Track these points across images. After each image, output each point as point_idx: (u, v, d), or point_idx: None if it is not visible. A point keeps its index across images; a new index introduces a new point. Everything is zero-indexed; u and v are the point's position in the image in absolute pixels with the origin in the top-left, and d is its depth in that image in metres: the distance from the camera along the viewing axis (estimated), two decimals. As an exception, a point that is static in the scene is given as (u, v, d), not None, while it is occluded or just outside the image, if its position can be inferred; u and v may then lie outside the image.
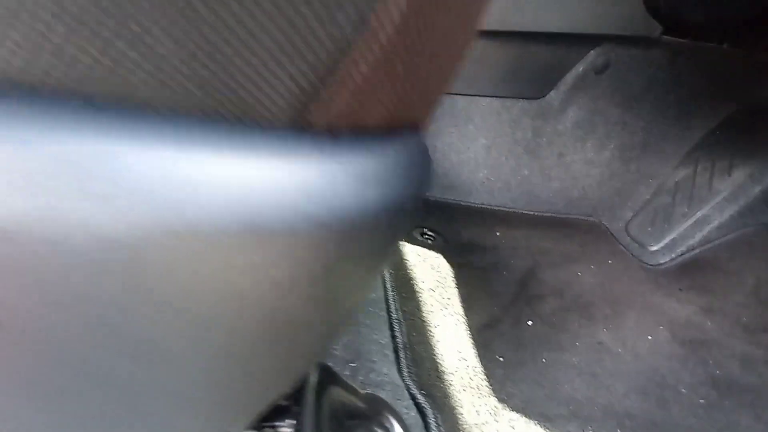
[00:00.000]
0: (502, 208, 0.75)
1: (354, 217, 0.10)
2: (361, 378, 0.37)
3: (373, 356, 0.40)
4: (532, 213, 0.74)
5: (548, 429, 0.39)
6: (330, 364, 0.29)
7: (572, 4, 0.67)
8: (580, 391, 0.42)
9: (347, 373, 0.37)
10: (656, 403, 0.42)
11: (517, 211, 0.75)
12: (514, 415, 0.39)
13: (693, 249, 0.65)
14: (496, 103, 0.71)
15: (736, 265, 0.62)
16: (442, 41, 0.11)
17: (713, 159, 0.69)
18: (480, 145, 0.74)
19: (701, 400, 0.43)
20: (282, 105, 0.09)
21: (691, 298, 0.57)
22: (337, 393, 0.27)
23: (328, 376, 0.27)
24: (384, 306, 0.47)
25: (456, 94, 0.73)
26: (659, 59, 0.67)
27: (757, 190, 0.64)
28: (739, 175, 0.67)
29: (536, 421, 0.39)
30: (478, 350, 0.45)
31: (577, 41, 0.67)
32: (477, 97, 0.72)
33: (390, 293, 0.49)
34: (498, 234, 0.68)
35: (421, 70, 0.11)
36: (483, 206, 0.75)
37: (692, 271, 0.62)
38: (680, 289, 0.59)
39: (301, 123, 0.09)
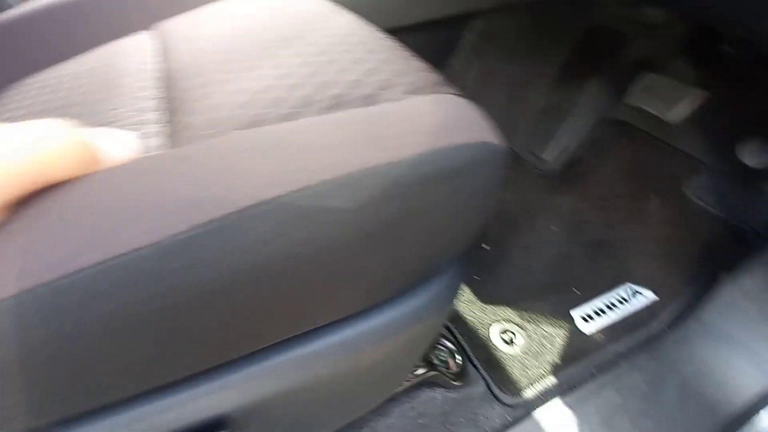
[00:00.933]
0: None
1: None
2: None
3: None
4: None
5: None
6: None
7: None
8: (514, 280, 0.68)
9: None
10: (561, 270, 0.70)
11: None
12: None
13: (571, 151, 0.92)
14: None
15: (600, 158, 0.90)
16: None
17: (571, 79, 0.94)
18: None
19: (583, 261, 0.72)
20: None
21: (571, 190, 0.86)
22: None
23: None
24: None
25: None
26: (525, 19, 0.87)
27: (604, 97, 0.91)
28: (591, 87, 0.93)
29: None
30: None
31: (459, 21, 0.84)
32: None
33: None
34: None
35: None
36: None
37: (571, 169, 0.91)
38: (563, 186, 0.88)
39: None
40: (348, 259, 0.21)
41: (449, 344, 0.51)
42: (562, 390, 0.51)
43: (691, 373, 0.52)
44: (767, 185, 0.68)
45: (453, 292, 0.30)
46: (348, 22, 0.37)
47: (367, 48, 0.32)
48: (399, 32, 0.79)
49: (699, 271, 0.65)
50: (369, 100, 0.26)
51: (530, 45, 0.91)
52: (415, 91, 0.27)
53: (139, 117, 0.30)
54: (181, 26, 0.42)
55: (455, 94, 0.28)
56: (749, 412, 0.48)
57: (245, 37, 0.36)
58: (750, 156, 0.68)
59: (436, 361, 0.49)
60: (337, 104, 0.26)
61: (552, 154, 0.93)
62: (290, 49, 0.33)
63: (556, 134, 0.93)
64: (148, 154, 0.21)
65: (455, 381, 0.48)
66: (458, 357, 0.49)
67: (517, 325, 0.58)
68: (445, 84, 0.30)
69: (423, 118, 0.24)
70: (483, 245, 0.72)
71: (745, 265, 0.57)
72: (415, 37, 0.82)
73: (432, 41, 0.87)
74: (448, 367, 0.47)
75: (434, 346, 0.50)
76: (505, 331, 0.57)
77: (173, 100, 0.30)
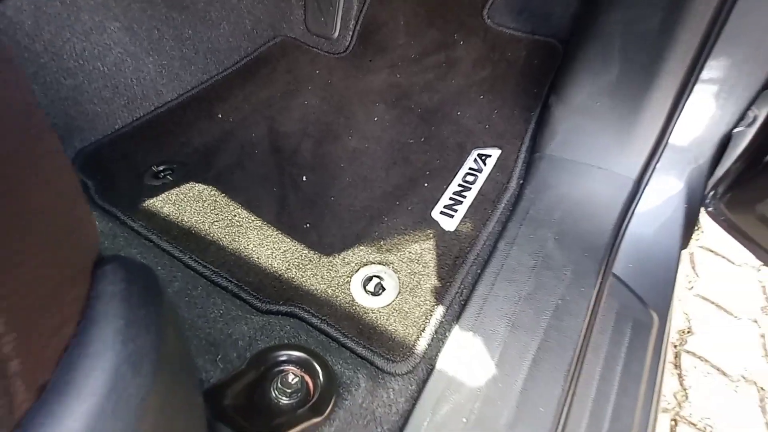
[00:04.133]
0: None
1: None
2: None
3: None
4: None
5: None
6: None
7: None
8: (360, 200, 0.53)
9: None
10: (403, 163, 0.58)
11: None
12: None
13: (358, 16, 0.74)
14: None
15: (390, 11, 0.74)
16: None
17: None
18: None
19: (422, 139, 0.60)
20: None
21: (378, 65, 0.70)
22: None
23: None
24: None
25: None
26: None
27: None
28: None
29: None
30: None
31: None
32: None
33: None
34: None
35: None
36: None
37: (368, 37, 0.74)
38: (370, 60, 0.71)
39: None
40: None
41: (292, 365, 0.33)
42: (454, 315, 0.40)
43: (561, 219, 0.47)
44: (532, 5, 0.61)
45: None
46: None
47: None
48: None
49: (528, 103, 0.59)
50: None
51: None
52: None
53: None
54: None
55: None
56: (615, 235, 0.45)
57: None
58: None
59: (281, 403, 0.31)
60: None
61: (341, 28, 0.73)
62: None
63: (334, 2, 0.73)
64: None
65: (320, 412, 0.32)
66: (312, 374, 0.32)
67: (379, 263, 0.44)
68: None
69: None
70: (302, 177, 0.54)
71: (565, 80, 0.51)
72: None
73: None
74: (306, 399, 0.31)
75: (268, 378, 0.32)
76: (368, 280, 0.42)
77: None
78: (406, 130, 0.60)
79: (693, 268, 0.98)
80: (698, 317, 0.92)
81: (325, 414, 0.29)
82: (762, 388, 0.82)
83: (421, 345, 0.38)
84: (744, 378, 0.84)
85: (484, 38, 0.66)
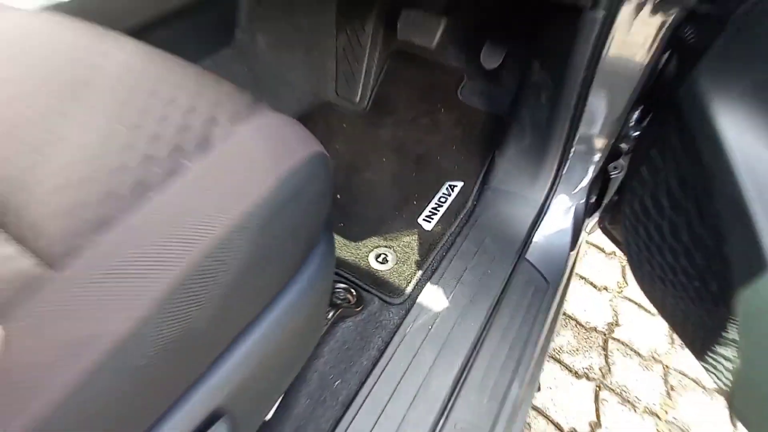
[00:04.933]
0: None
1: None
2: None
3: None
4: None
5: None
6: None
7: None
8: (374, 211, 0.84)
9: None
10: (401, 188, 0.89)
11: None
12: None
13: (374, 88, 1.07)
14: None
15: (397, 86, 1.08)
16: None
17: (349, 23, 1.05)
18: None
19: (413, 174, 0.91)
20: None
21: (386, 123, 1.02)
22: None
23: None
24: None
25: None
26: None
27: (381, 36, 1.06)
28: (369, 28, 1.06)
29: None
30: None
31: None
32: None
33: None
34: None
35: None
36: None
37: (380, 102, 1.06)
38: (381, 119, 1.04)
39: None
40: (255, 266, 0.29)
41: (342, 285, 0.64)
42: (428, 276, 0.70)
43: (496, 225, 0.77)
44: (501, 80, 0.95)
45: (331, 255, 0.41)
46: (124, 49, 0.36)
47: (170, 82, 0.34)
48: (169, 20, 0.76)
49: (484, 155, 0.90)
50: (204, 144, 0.31)
51: (302, 7, 0.98)
52: (239, 119, 0.33)
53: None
54: None
55: (270, 111, 0.36)
56: (528, 235, 0.76)
57: (20, 92, 0.32)
58: (486, 61, 0.93)
59: (338, 302, 0.62)
60: (176, 166, 0.29)
61: (361, 95, 1.07)
62: (86, 103, 0.31)
63: (357, 77, 1.06)
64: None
65: (357, 308, 0.63)
66: (353, 291, 0.63)
67: (385, 246, 0.75)
68: (258, 102, 0.37)
69: (259, 153, 0.31)
70: (337, 195, 0.85)
71: (504, 139, 0.83)
72: (188, 23, 0.80)
73: (208, 20, 0.86)
74: (348, 302, 0.61)
75: (333, 291, 0.63)
76: (378, 256, 0.73)
77: None
78: (404, 168, 0.91)
79: (623, 276, 1.28)
80: (624, 314, 1.20)
81: (357, 311, 0.59)
82: (666, 366, 1.10)
83: (407, 290, 0.68)
84: (654, 358, 1.11)
85: (457, 109, 0.99)
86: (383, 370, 0.58)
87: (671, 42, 0.56)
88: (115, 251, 0.25)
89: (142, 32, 0.70)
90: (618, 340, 1.15)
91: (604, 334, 1.16)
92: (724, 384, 0.47)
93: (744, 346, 0.42)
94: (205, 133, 0.30)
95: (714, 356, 0.50)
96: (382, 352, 0.60)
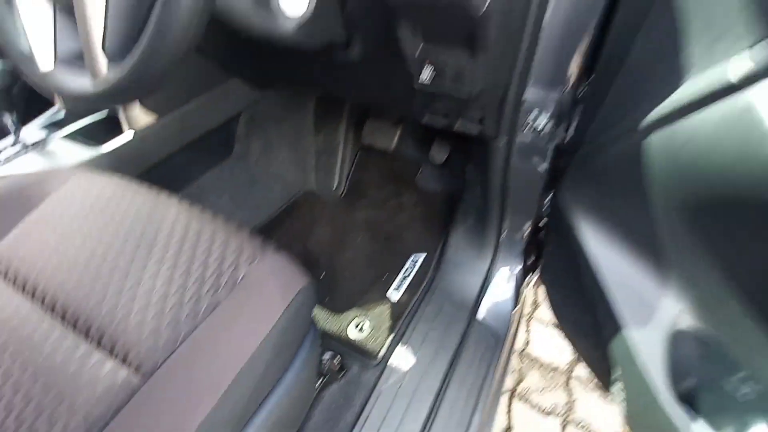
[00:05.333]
0: None
1: None
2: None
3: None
4: None
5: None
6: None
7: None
8: (352, 285, 1.03)
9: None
10: (374, 264, 1.07)
11: None
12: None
13: (348, 177, 1.29)
14: None
15: (368, 174, 1.30)
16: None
17: (325, 126, 1.28)
18: None
19: (384, 249, 1.10)
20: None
21: (361, 206, 1.23)
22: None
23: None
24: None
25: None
26: (279, 99, 1.16)
27: (351, 136, 1.29)
28: (340, 132, 1.29)
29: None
30: None
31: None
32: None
33: None
34: None
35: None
36: None
37: (355, 189, 1.28)
38: (355, 203, 1.24)
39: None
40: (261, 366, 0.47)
41: (329, 354, 0.80)
42: (397, 340, 0.87)
43: (452, 292, 0.96)
44: (449, 170, 1.17)
45: (316, 341, 0.58)
46: (173, 211, 0.55)
47: (207, 236, 0.54)
48: (184, 149, 0.97)
49: (440, 231, 1.11)
50: (231, 284, 0.49)
51: (288, 112, 1.22)
52: (254, 261, 0.52)
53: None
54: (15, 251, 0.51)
55: (273, 252, 0.55)
56: (478, 299, 0.94)
57: (104, 246, 0.51)
58: (435, 157, 1.15)
59: (325, 370, 0.78)
60: (215, 302, 0.47)
61: (338, 184, 1.28)
62: (154, 257, 0.50)
63: (335, 168, 1.28)
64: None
65: (340, 373, 0.79)
66: (336, 359, 0.79)
67: (362, 316, 0.92)
68: (264, 244, 0.56)
69: (269, 288, 0.49)
70: (323, 274, 1.03)
71: (453, 218, 1.03)
72: (200, 146, 1.01)
73: (215, 141, 1.08)
74: (333, 369, 0.77)
75: (320, 361, 0.79)
76: (357, 325, 0.90)
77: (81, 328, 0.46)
78: (376, 245, 1.10)
79: (580, 319, 1.45)
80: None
81: (341, 376, 0.75)
82: (621, 398, 1.25)
83: (381, 354, 0.84)
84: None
85: (417, 193, 1.20)
86: (364, 424, 0.74)
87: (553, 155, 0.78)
88: (183, 364, 0.42)
89: (163, 161, 0.91)
90: (579, 378, 1.30)
91: (566, 373, 1.31)
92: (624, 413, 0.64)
93: (622, 385, 0.60)
94: (233, 276, 0.49)
95: (613, 391, 0.67)
96: (362, 408, 0.75)
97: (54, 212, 0.58)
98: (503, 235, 0.95)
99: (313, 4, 0.52)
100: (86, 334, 0.45)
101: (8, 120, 0.74)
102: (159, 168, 0.90)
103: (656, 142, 0.49)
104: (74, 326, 0.46)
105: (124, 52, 0.36)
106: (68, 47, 0.43)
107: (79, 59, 0.41)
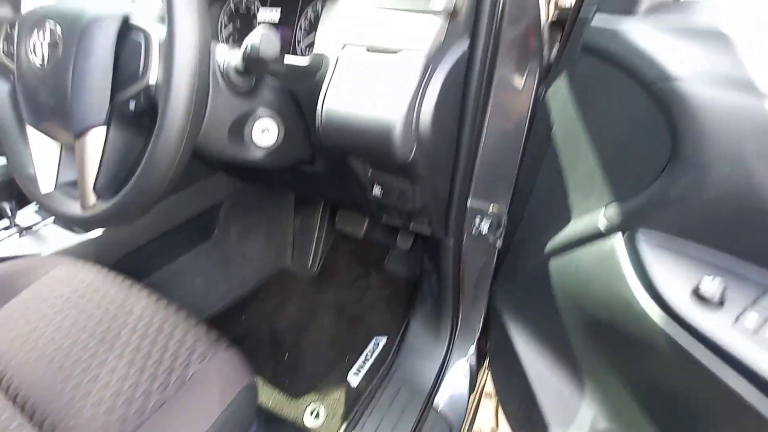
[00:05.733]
0: None
1: None
2: None
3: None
4: None
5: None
6: None
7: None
8: (315, 366, 1.06)
9: None
10: (339, 344, 1.11)
11: None
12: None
13: (322, 257, 1.37)
14: None
15: (340, 255, 1.38)
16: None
17: (303, 208, 1.38)
18: None
19: (347, 330, 1.15)
20: None
21: (330, 285, 1.29)
22: None
23: None
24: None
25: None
26: (257, 189, 1.27)
27: (326, 220, 1.39)
28: (317, 215, 1.40)
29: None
30: None
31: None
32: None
33: None
34: None
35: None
36: None
37: (327, 269, 1.35)
38: (326, 282, 1.31)
39: None
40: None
41: None
42: (351, 427, 0.89)
43: (409, 377, 0.99)
44: (413, 257, 1.26)
45: None
46: (141, 303, 0.62)
47: (166, 332, 0.59)
48: (164, 235, 1.05)
49: (403, 314, 1.16)
50: (181, 382, 0.54)
51: (270, 199, 1.32)
52: (205, 358, 0.58)
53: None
54: None
55: (224, 350, 0.60)
56: (434, 386, 0.98)
57: (71, 339, 0.56)
58: (401, 244, 1.25)
59: None
60: (164, 398, 0.53)
61: (312, 262, 1.35)
62: (114, 352, 0.56)
63: (311, 248, 1.37)
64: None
65: None
66: None
67: (318, 401, 0.94)
68: (217, 339, 0.61)
69: (215, 385, 0.54)
70: (285, 356, 1.07)
71: (414, 305, 1.09)
72: (180, 232, 1.10)
73: (194, 227, 1.16)
74: None
75: None
76: (312, 411, 0.92)
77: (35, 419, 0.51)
78: (340, 326, 1.15)
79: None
80: None
81: None
82: None
83: (335, 442, 0.86)
84: None
85: (385, 275, 1.28)
86: None
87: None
88: None
89: (143, 246, 0.98)
90: None
91: None
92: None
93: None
94: (183, 373, 0.54)
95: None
96: None
97: (33, 301, 0.64)
98: (459, 322, 1.01)
99: (282, 137, 0.64)
100: (41, 426, 0.50)
101: (6, 207, 0.82)
102: (139, 252, 0.97)
103: (557, 265, 0.59)
104: (31, 418, 0.51)
105: (111, 192, 0.45)
106: (67, 177, 0.52)
107: (75, 187, 0.51)
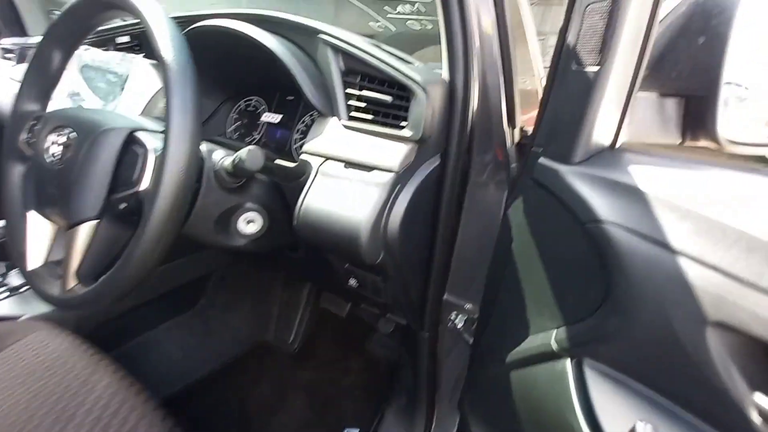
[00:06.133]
0: None
1: None
2: None
3: None
4: None
5: None
6: None
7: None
8: None
9: None
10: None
11: None
12: None
13: (304, 333, 1.36)
14: None
15: (323, 332, 1.37)
16: None
17: (291, 284, 1.40)
18: None
19: (321, 414, 1.10)
20: None
21: (310, 364, 1.27)
22: None
23: None
24: None
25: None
26: (245, 263, 1.31)
27: (312, 298, 1.41)
28: (305, 290, 1.41)
29: None
30: None
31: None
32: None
33: None
34: None
35: None
36: None
37: (307, 345, 1.33)
38: (305, 361, 1.28)
39: None
40: None
41: None
42: None
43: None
44: (395, 341, 1.25)
45: None
46: (104, 382, 0.62)
47: (117, 417, 0.59)
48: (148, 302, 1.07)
49: (377, 404, 1.13)
50: None
51: (260, 272, 1.35)
52: None
53: None
54: None
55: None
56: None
57: (27, 414, 0.55)
58: (382, 327, 1.24)
59: None
60: None
61: (294, 337, 1.34)
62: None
63: (294, 323, 1.36)
64: None
65: None
66: None
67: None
68: (172, 428, 0.60)
69: None
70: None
71: (390, 397, 1.06)
72: (165, 301, 1.11)
73: (179, 297, 1.18)
74: None
75: None
76: None
77: None
78: (313, 411, 1.11)
79: None
80: None
81: None
82: None
83: None
84: None
85: (365, 358, 1.26)
86: None
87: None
88: None
89: (127, 312, 1.00)
90: None
91: None
92: None
93: None
94: None
95: None
96: None
97: (1, 369, 0.65)
98: (433, 424, 0.97)
99: (266, 227, 0.68)
100: None
101: (1, 269, 0.85)
102: (122, 317, 0.98)
103: (519, 376, 0.59)
104: None
105: (91, 279, 0.49)
106: (56, 256, 0.56)
107: (61, 266, 0.54)
